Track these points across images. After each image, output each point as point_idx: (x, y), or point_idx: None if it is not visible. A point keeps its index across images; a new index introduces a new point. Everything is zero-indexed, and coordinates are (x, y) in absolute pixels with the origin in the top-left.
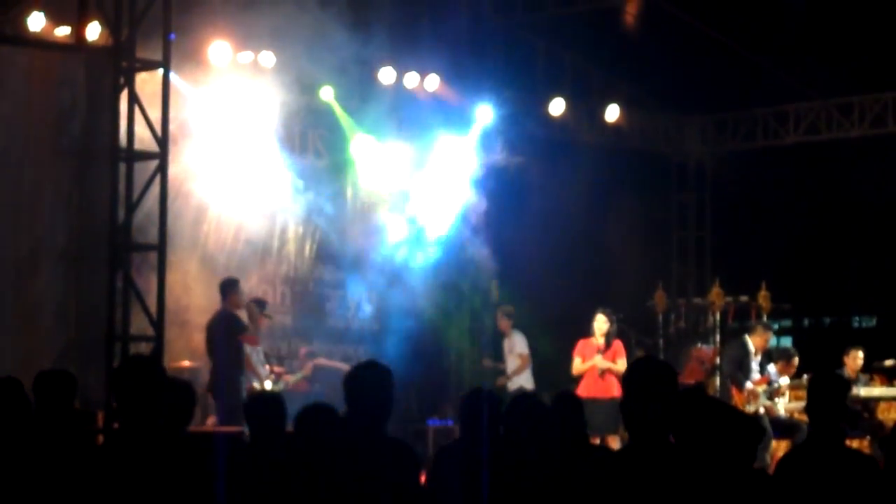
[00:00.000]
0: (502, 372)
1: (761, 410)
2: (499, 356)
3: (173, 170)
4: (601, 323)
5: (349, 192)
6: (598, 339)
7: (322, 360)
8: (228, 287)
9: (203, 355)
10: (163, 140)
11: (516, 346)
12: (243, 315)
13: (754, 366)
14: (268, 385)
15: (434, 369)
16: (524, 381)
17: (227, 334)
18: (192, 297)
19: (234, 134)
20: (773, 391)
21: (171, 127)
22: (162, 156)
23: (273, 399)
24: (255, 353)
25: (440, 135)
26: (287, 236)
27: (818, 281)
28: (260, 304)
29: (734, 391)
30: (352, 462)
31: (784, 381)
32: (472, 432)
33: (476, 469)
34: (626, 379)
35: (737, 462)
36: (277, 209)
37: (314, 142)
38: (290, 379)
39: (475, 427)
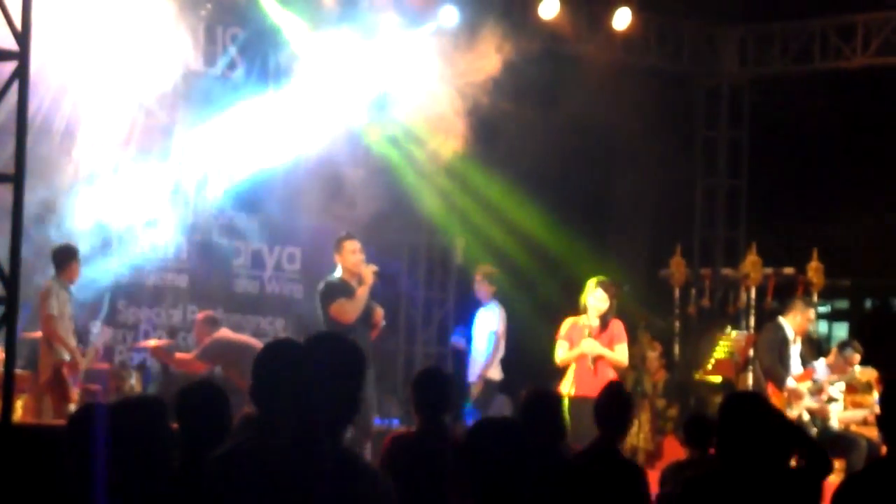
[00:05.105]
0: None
1: (805, 416)
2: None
3: (36, 75)
4: (597, 298)
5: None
6: (592, 318)
7: (226, 333)
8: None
9: None
10: (23, 35)
11: (489, 320)
12: None
13: (794, 356)
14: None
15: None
16: (491, 370)
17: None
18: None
19: (118, 30)
20: (817, 390)
21: (35, 17)
22: (22, 56)
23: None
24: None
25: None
26: (184, 170)
27: (888, 250)
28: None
29: (771, 388)
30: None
31: (832, 377)
32: (428, 424)
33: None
34: None
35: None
36: (173, 133)
37: (224, 42)
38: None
39: (432, 418)
